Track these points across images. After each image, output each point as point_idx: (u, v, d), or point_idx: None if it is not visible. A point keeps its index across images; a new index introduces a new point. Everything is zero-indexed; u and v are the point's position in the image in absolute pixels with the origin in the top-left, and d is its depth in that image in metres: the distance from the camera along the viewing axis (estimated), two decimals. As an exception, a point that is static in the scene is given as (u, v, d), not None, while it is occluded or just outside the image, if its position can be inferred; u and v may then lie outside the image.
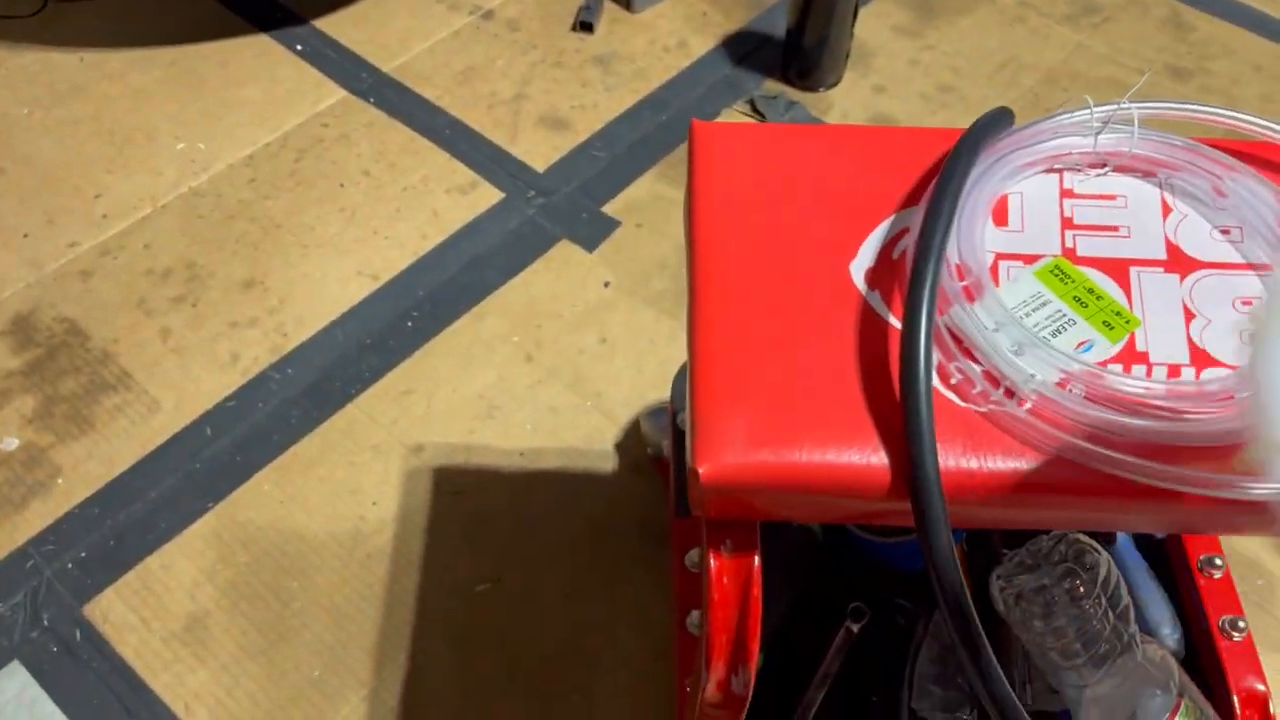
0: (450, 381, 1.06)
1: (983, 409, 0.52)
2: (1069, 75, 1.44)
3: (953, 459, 0.51)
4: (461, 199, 1.23)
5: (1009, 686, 0.50)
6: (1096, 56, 1.46)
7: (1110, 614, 0.68)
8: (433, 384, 1.06)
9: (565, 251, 1.18)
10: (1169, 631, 0.80)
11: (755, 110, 1.36)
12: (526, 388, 1.06)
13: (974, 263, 0.56)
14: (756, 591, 0.55)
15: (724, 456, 0.51)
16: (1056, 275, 0.57)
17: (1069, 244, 0.59)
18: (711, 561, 0.55)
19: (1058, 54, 1.46)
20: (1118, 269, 0.58)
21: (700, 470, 0.51)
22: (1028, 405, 0.52)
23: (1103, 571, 0.68)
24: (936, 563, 0.49)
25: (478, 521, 0.97)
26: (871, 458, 0.51)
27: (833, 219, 0.60)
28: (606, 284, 1.15)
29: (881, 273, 0.57)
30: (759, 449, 0.51)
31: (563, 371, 1.07)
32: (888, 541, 0.80)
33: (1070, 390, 0.52)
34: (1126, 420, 0.51)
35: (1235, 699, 0.76)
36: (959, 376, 0.53)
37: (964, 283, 0.56)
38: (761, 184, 0.62)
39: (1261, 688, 0.76)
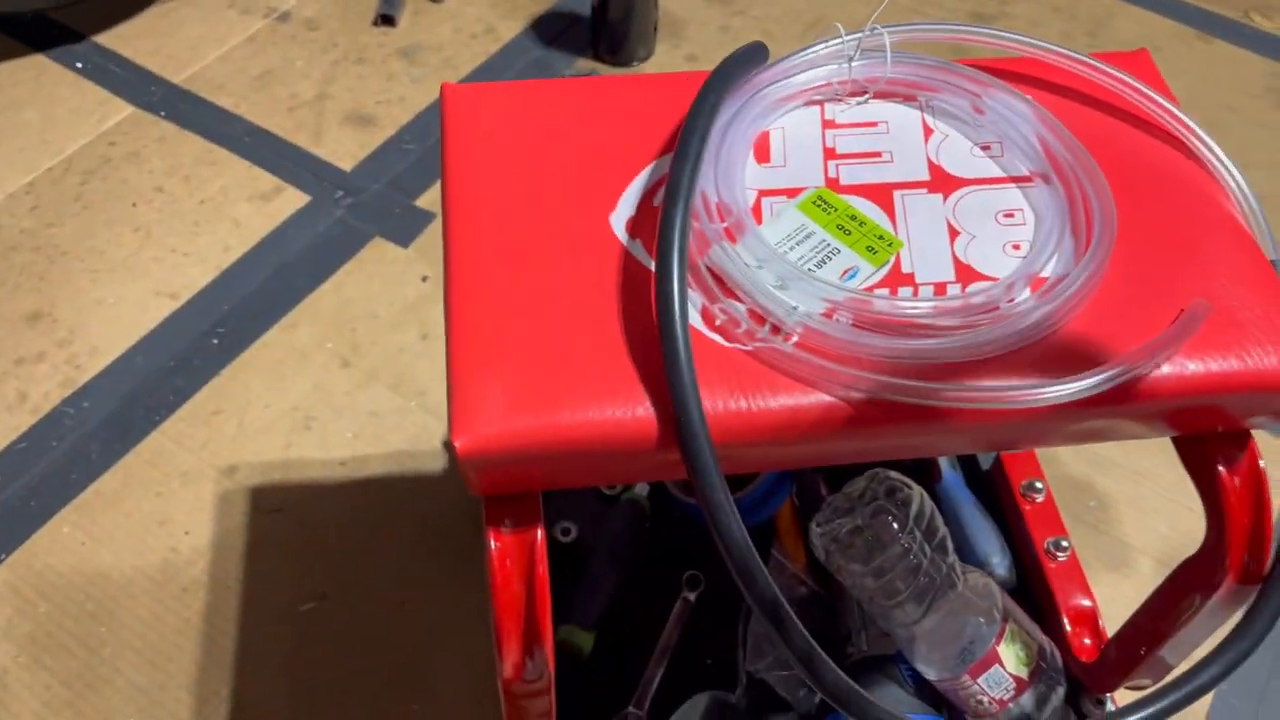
0: (263, 397, 1.01)
1: (749, 347, 0.50)
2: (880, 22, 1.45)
3: (721, 401, 0.49)
4: (264, 206, 1.17)
5: (810, 642, 0.47)
6: (904, 8, 1.48)
7: (927, 547, 0.67)
8: (244, 401, 1.01)
9: (378, 250, 1.13)
10: (998, 560, 0.80)
11: (567, 90, 1.33)
12: (345, 394, 1.01)
13: (733, 201, 0.54)
14: (542, 569, 0.52)
15: (481, 426, 0.48)
16: (820, 206, 0.55)
17: (832, 174, 0.57)
18: (491, 541, 0.52)
19: (865, 8, 1.47)
20: (881, 194, 0.57)
21: (457, 443, 0.48)
22: (794, 339, 0.50)
23: (915, 506, 0.67)
24: (713, 512, 0.47)
25: (300, 539, 0.92)
26: (637, 409, 0.48)
27: (591, 172, 0.57)
28: (425, 278, 1.11)
29: (642, 221, 0.55)
30: (518, 413, 0.48)
31: (383, 373, 1.03)
32: (712, 505, 0.77)
33: (837, 319, 0.51)
34: (895, 342, 0.50)
35: (1064, 618, 0.77)
36: (723, 317, 0.51)
37: (725, 223, 0.54)
38: (516, 143, 0.59)
39: (1088, 603, 0.77)
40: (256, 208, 1.16)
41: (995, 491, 0.84)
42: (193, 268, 1.11)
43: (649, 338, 0.50)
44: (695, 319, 0.51)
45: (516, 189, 0.57)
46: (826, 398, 0.49)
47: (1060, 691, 0.70)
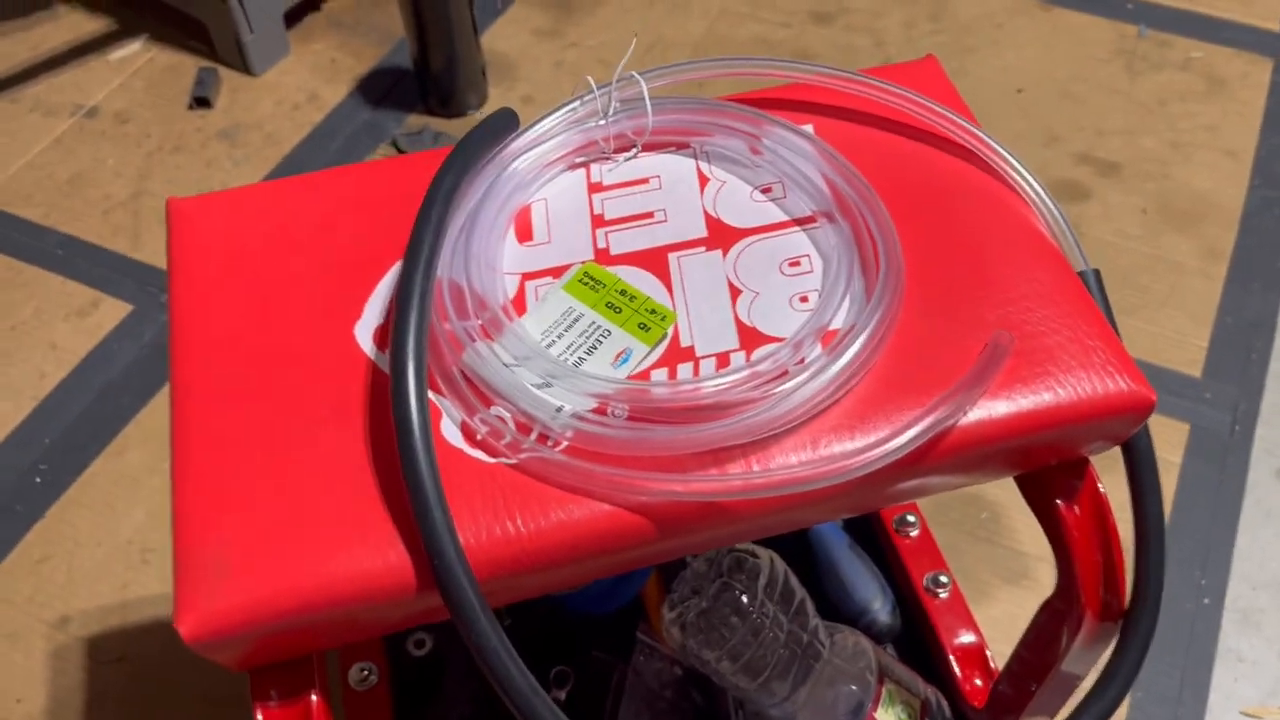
0: (93, 534, 0.93)
1: (514, 460, 0.45)
2: (716, 42, 1.41)
3: (489, 528, 0.43)
4: (82, 323, 1.09)
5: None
6: (740, 17, 1.44)
7: (783, 618, 0.62)
8: (72, 543, 0.93)
9: (211, 352, 1.06)
10: (880, 605, 0.75)
11: (400, 150, 1.27)
12: (184, 517, 0.94)
13: (487, 293, 0.49)
14: (321, 740, 0.46)
15: (208, 603, 0.41)
16: (587, 284, 0.50)
17: (601, 244, 0.52)
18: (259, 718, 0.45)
19: (701, 24, 1.43)
20: (655, 260, 0.51)
21: (180, 629, 0.41)
22: (564, 444, 0.45)
23: (764, 576, 0.62)
24: (485, 658, 0.41)
25: (145, 689, 0.84)
26: (389, 554, 0.42)
27: (334, 278, 0.51)
28: (263, 376, 1.04)
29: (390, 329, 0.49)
30: (251, 581, 0.42)
31: (224, 487, 0.95)
32: (566, 593, 0.72)
33: (612, 413, 0.45)
34: (678, 432, 0.44)
35: (952, 658, 0.72)
36: (484, 429, 0.45)
37: (479, 320, 0.48)
38: (249, 254, 0.53)
39: (973, 640, 0.72)
40: (74, 325, 1.08)
41: (870, 530, 0.80)
42: (5, 403, 1.02)
43: (397, 467, 0.44)
44: (455, 435, 0.46)
45: (253, 308, 0.51)
46: (606, 507, 0.44)
47: (953, 743, 0.65)
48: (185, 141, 1.28)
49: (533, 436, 0.45)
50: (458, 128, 1.30)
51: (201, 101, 1.31)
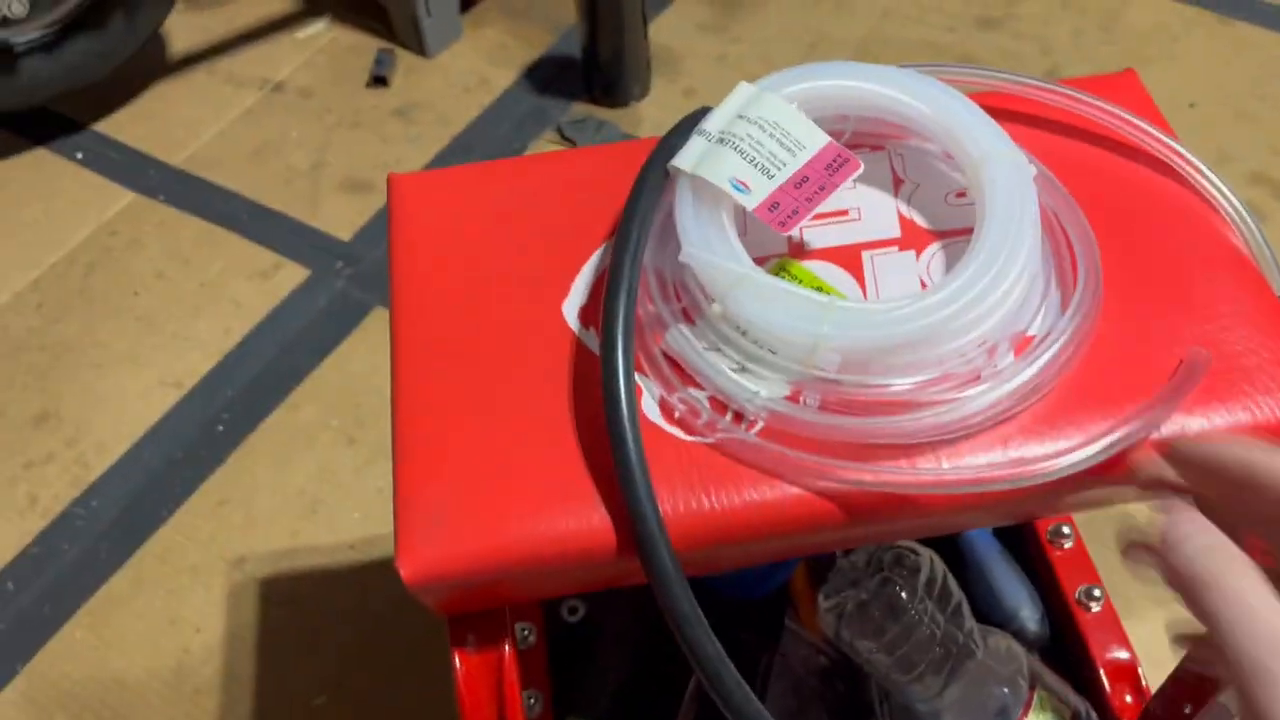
0: (268, 483, 0.99)
1: (710, 439, 0.47)
2: (881, 43, 1.41)
3: (684, 502, 0.46)
4: (264, 284, 1.16)
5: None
6: (905, 19, 1.44)
7: (940, 616, 0.63)
8: (250, 489, 0.99)
9: (381, 320, 1.12)
10: (1029, 614, 0.75)
11: (564, 138, 1.31)
12: (351, 473, 0.99)
13: (690, 280, 0.51)
14: (512, 690, 0.49)
15: (427, 550, 0.45)
16: (783, 276, 0.52)
17: (797, 239, 0.54)
18: (457, 662, 0.49)
19: (865, 24, 1.43)
20: (849, 256, 0.53)
21: (401, 571, 0.45)
22: (758, 427, 0.47)
23: (925, 572, 0.63)
24: (679, 624, 0.44)
25: (311, 631, 0.90)
26: (592, 518, 0.45)
27: (544, 256, 0.54)
28: (428, 346, 1.09)
29: (596, 308, 0.52)
30: (465, 534, 0.45)
31: (388, 448, 1.00)
32: (720, 575, 0.74)
33: (804, 401, 0.47)
34: (868, 422, 0.46)
35: (1102, 673, 0.72)
36: (682, 408, 0.48)
37: (682, 303, 0.50)
38: (464, 232, 0.56)
39: (1126, 656, 0.72)
40: (256, 286, 1.15)
41: (1022, 539, 0.80)
42: (194, 353, 1.10)
43: (604, 438, 0.47)
44: (654, 412, 0.48)
45: (468, 281, 0.54)
46: (796, 490, 0.46)
47: (1101, 756, 0.65)
48: (363, 118, 1.34)
49: (728, 418, 0.47)
50: (620, 117, 1.33)
51: (379, 80, 1.37)
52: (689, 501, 0.46)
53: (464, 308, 0.53)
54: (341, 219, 1.22)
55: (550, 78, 1.39)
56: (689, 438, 0.47)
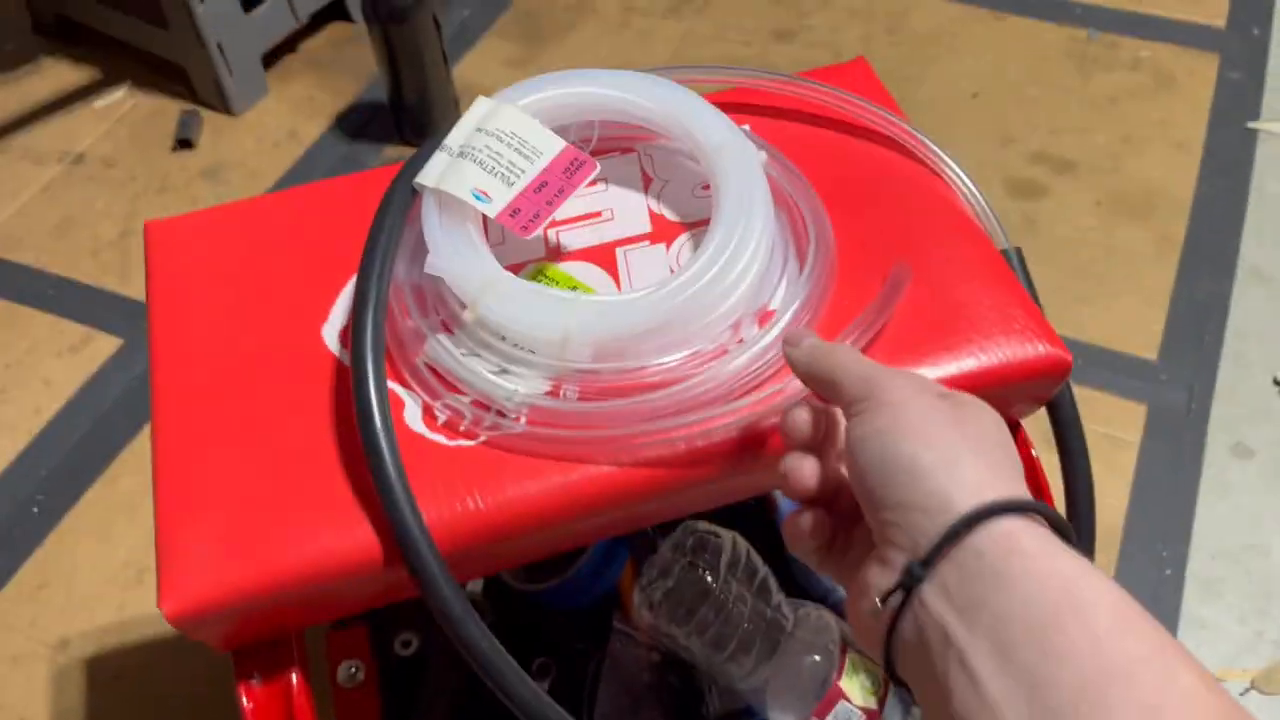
0: (90, 559, 0.96)
1: (474, 442, 0.48)
2: (682, 63, 1.45)
3: (452, 504, 0.46)
4: (74, 359, 1.12)
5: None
6: (703, 39, 1.49)
7: (746, 594, 0.65)
8: (70, 568, 0.95)
9: (200, 381, 1.09)
10: (846, 585, 0.78)
11: (378, 181, 1.31)
12: (178, 539, 0.96)
13: (445, 291, 0.52)
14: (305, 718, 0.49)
15: (189, 581, 0.45)
16: (540, 280, 0.53)
17: (553, 243, 0.56)
18: (243, 699, 0.48)
19: (667, 48, 1.48)
20: (604, 254, 0.55)
21: (163, 609, 0.44)
22: (520, 425, 0.48)
23: (726, 554, 0.65)
24: (449, 621, 0.44)
25: (141, 704, 0.87)
26: (356, 532, 0.46)
27: (302, 285, 0.55)
28: (251, 402, 1.07)
29: (355, 328, 0.52)
30: (227, 561, 0.45)
31: (216, 509, 0.98)
32: (544, 588, 0.75)
33: (564, 395, 0.49)
34: (627, 403, 0.48)
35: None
36: (446, 414, 0.48)
37: (440, 315, 0.51)
38: (221, 270, 0.56)
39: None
40: (66, 362, 1.12)
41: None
42: (2, 439, 1.05)
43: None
44: (418, 422, 0.49)
45: (228, 316, 0.54)
46: (559, 478, 0.47)
47: (919, 710, 0.68)
48: (170, 181, 1.32)
49: (490, 416, 0.48)
50: (433, 156, 1.33)
51: (184, 143, 1.35)
52: (456, 504, 0.46)
53: (224, 342, 0.53)
54: (153, 284, 1.19)
55: (361, 124, 1.39)
56: (453, 443, 0.48)
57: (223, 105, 1.39)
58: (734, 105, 0.62)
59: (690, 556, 0.64)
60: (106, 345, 1.13)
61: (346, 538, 0.45)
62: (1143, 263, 1.13)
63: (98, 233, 1.26)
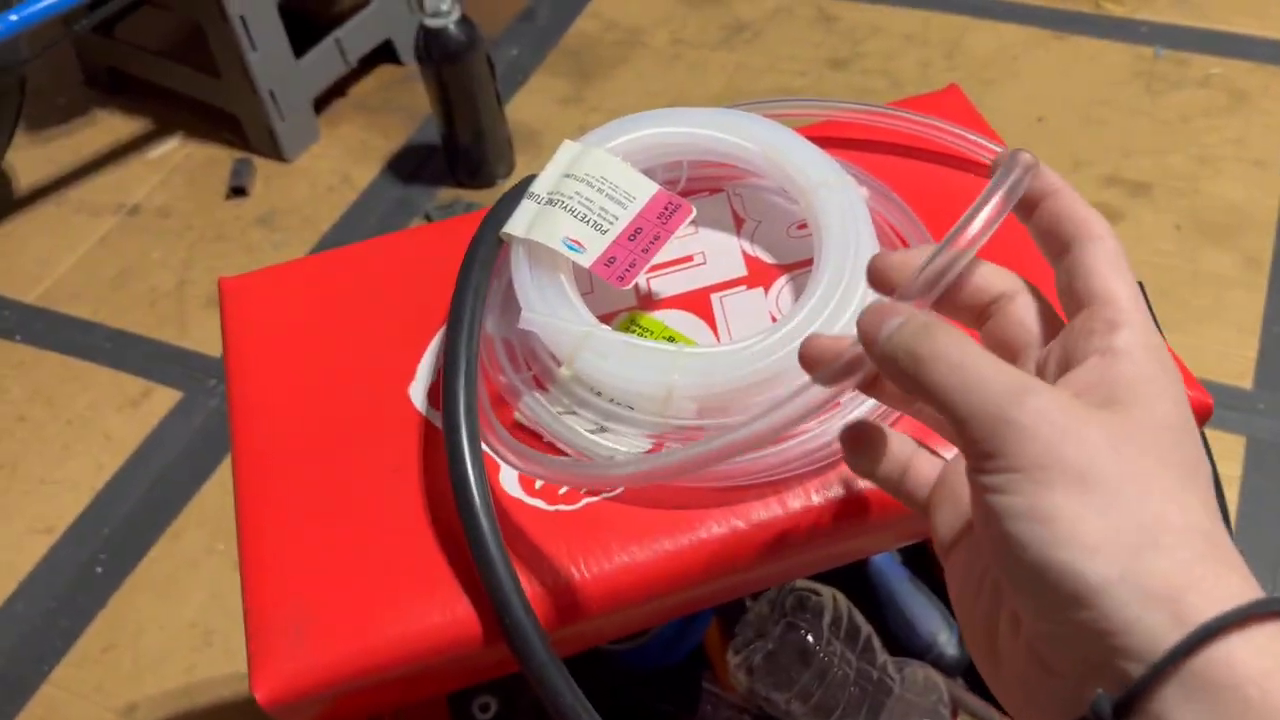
0: (155, 619, 0.94)
1: (574, 507, 0.45)
2: (736, 95, 1.43)
3: (552, 575, 0.43)
4: (134, 413, 1.11)
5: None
6: (757, 70, 1.46)
7: (850, 655, 0.61)
8: (136, 629, 0.93)
9: (261, 432, 1.08)
10: (946, 638, 0.74)
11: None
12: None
13: (537, 346, 0.49)
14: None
15: (283, 666, 0.42)
16: (634, 330, 0.51)
17: (645, 290, 0.53)
18: (334, 780, 0.45)
19: (720, 79, 1.45)
20: (698, 301, 0.52)
21: (258, 694, 0.42)
22: (620, 488, 0.45)
23: (828, 614, 0.62)
24: (559, 710, 0.41)
25: (213, 769, 0.85)
26: (455, 608, 0.43)
27: (385, 342, 0.52)
28: (313, 453, 1.05)
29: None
30: (322, 642, 0.42)
31: (281, 565, 0.96)
32: (628, 647, 0.71)
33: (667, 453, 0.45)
34: (733, 464, 0.44)
35: (1025, 688, 0.70)
36: (542, 480, 0.46)
37: (533, 371, 0.49)
38: (299, 326, 0.54)
39: (1045, 667, 0.71)
40: (126, 417, 1.10)
41: (929, 562, 0.79)
42: (65, 495, 1.04)
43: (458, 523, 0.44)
44: (514, 485, 0.46)
45: (309, 377, 0.52)
46: (668, 545, 0.44)
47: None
48: (225, 230, 1.31)
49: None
50: (488, 197, 1.32)
51: (238, 191, 1.35)
52: (559, 574, 0.43)
53: (306, 405, 0.50)
54: (211, 336, 1.18)
55: (414, 167, 1.38)
56: (552, 507, 0.45)
57: (275, 152, 1.39)
58: (821, 139, 0.59)
59: (789, 616, 0.61)
60: (166, 398, 1.12)
61: (446, 614, 0.42)
62: (1229, 286, 1.09)
63: (155, 284, 1.25)
